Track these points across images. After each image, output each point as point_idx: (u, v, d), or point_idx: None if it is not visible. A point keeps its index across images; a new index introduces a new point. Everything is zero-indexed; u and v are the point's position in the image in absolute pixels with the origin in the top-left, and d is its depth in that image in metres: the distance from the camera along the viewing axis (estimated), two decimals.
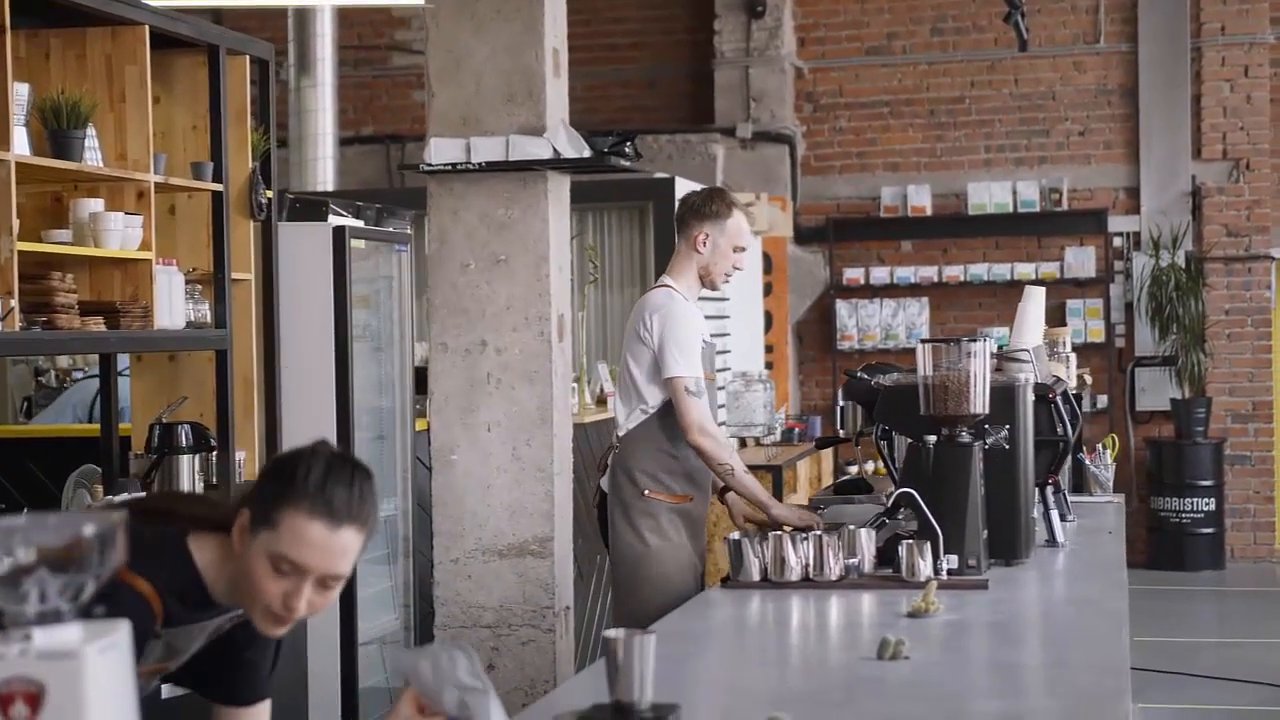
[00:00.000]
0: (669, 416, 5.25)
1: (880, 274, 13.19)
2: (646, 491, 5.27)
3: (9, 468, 6.51)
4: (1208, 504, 12.53)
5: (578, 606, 6.72)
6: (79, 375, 8.75)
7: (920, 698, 3.09)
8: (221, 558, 2.73)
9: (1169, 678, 8.87)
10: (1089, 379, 11.31)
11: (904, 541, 4.31)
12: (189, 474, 5.42)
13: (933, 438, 4.46)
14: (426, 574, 6.36)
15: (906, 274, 13.15)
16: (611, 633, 2.74)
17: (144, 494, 4.51)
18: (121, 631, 1.77)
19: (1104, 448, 6.62)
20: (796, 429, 11.12)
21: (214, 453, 5.59)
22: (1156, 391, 12.89)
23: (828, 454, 11.44)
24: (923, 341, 4.51)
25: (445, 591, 5.93)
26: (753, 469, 8.96)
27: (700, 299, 5.54)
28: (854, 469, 12.58)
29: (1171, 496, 12.56)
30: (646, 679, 2.74)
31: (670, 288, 5.37)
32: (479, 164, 5.89)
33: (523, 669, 5.83)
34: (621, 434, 5.36)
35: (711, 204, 5.39)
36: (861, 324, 13.25)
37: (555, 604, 5.89)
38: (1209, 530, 12.57)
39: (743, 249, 5.43)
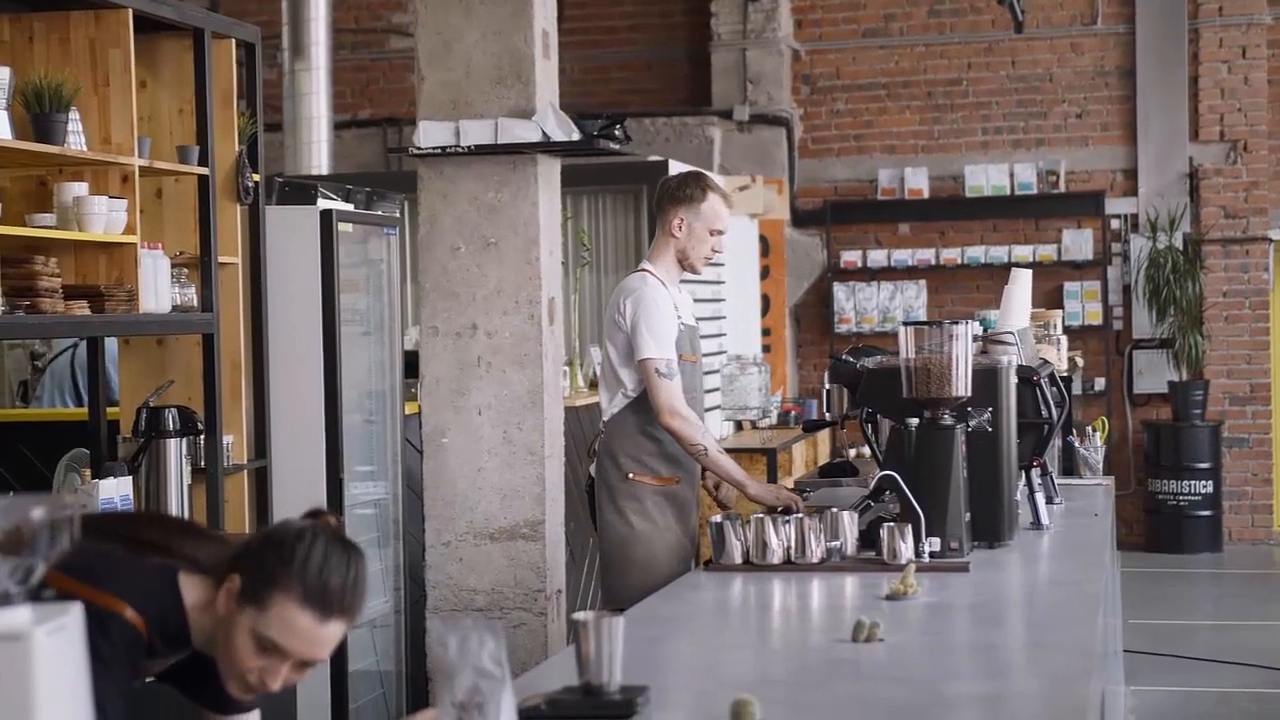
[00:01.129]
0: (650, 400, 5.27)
1: (878, 257, 13.19)
2: (631, 475, 5.29)
3: (3, 451, 6.52)
4: (1205, 486, 12.53)
5: (569, 590, 6.73)
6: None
7: (891, 679, 3.10)
8: (207, 602, 2.71)
9: (1165, 660, 8.88)
10: (1080, 361, 11.31)
11: (885, 524, 4.31)
12: (176, 457, 5.42)
13: (915, 420, 4.46)
14: (418, 557, 6.36)
15: (904, 257, 13.14)
16: (580, 615, 2.75)
17: (138, 514, 4.44)
18: (72, 614, 1.78)
19: (1094, 430, 6.62)
20: (793, 412, 11.12)
21: (201, 436, 5.59)
22: (1154, 374, 12.88)
23: (824, 437, 11.44)
24: (905, 324, 4.51)
25: (436, 575, 5.94)
26: (747, 452, 9.02)
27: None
28: (852, 452, 12.60)
29: (1169, 479, 12.56)
30: (615, 661, 2.75)
31: (647, 272, 5.38)
32: (468, 147, 5.88)
33: (514, 652, 5.83)
34: (605, 419, 5.38)
35: (686, 188, 5.39)
36: (859, 307, 13.24)
37: (547, 587, 5.90)
38: (1207, 513, 12.57)
39: (719, 232, 5.41)
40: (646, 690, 2.78)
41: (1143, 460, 12.88)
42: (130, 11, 5.18)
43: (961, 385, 4.44)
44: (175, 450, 5.43)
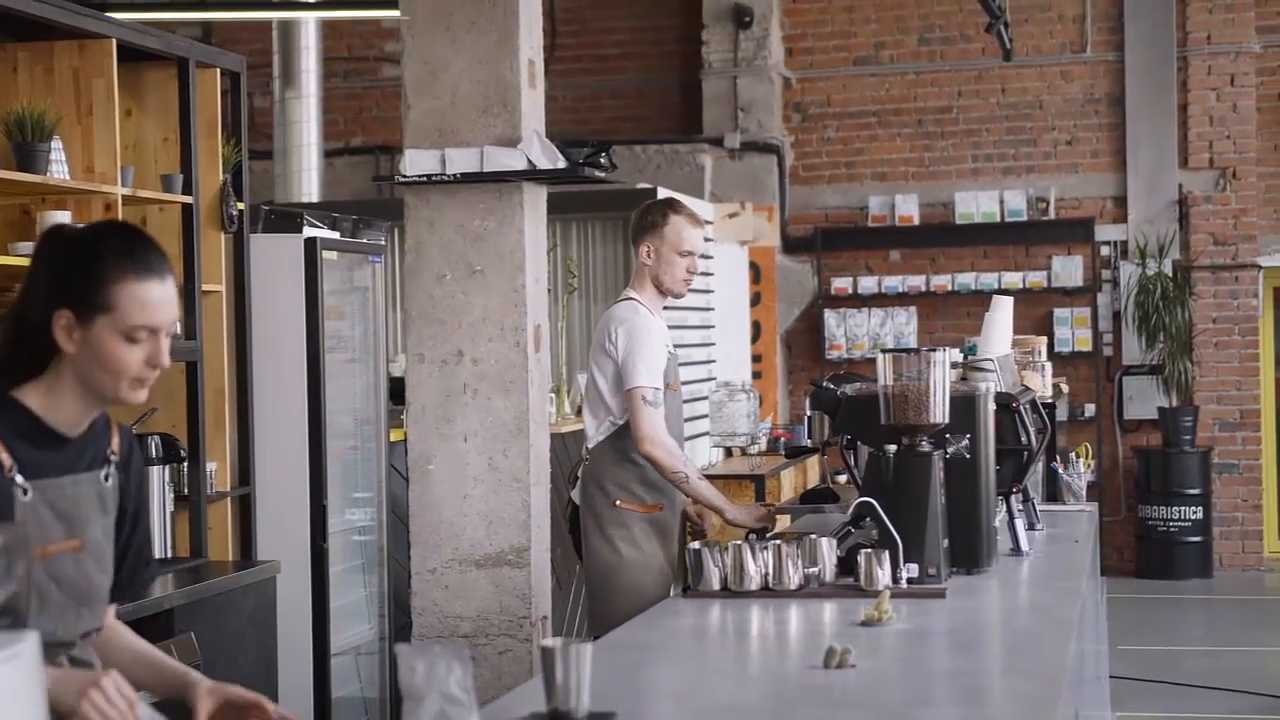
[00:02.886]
0: None
1: (868, 283, 13.21)
2: (618, 502, 5.32)
3: None
4: (1195, 512, 12.54)
5: (555, 616, 6.73)
6: None
7: (860, 706, 3.10)
8: (48, 389, 2.77)
9: (1155, 686, 8.89)
10: (1065, 388, 11.31)
11: (863, 551, 4.32)
12: (159, 485, 5.43)
13: (893, 447, 4.47)
14: (403, 584, 6.37)
15: (894, 283, 13.17)
16: (548, 642, 2.76)
17: None
18: (28, 643, 1.79)
19: (1077, 456, 6.63)
20: (783, 438, 11.12)
21: (184, 464, 5.60)
22: (1144, 400, 12.89)
23: (814, 463, 11.45)
24: (883, 351, 4.53)
25: (422, 601, 5.94)
26: (736, 478, 9.03)
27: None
28: (843, 478, 12.60)
29: (1159, 505, 12.57)
30: (583, 688, 2.76)
31: (634, 300, 5.45)
32: (454, 175, 5.90)
33: (500, 679, 5.83)
34: (590, 445, 5.43)
35: (647, 216, 5.54)
36: (850, 333, 13.26)
37: (532, 614, 5.90)
38: (1197, 539, 12.57)
39: (689, 253, 5.48)
40: (614, 716, 2.79)
41: (1133, 486, 12.89)
42: (114, 41, 5.21)
43: (939, 412, 4.46)
44: (158, 478, 5.44)
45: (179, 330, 5.61)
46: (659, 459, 5.21)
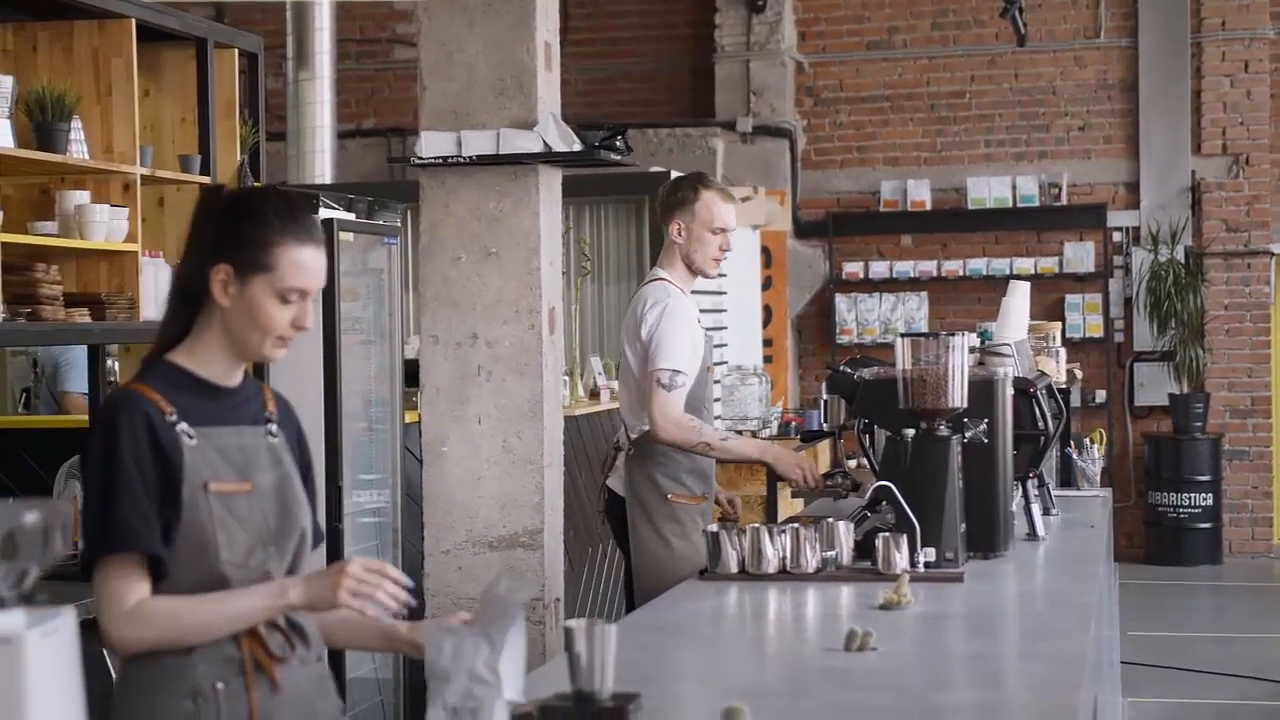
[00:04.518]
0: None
1: (879, 268, 13.21)
2: (670, 495, 5.22)
3: (4, 458, 6.54)
4: (1205, 499, 12.54)
5: (568, 599, 6.73)
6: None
7: (881, 688, 3.11)
8: (193, 346, 2.90)
9: (1164, 672, 8.90)
10: (1079, 373, 11.30)
11: (880, 534, 4.32)
12: None
13: (911, 431, 4.47)
14: (416, 565, 6.38)
15: (906, 268, 13.16)
16: (572, 622, 2.76)
17: None
18: (65, 617, 1.80)
19: (1091, 442, 6.63)
20: (794, 423, 11.12)
21: None
22: (1155, 386, 12.89)
23: (825, 447, 11.45)
24: (902, 335, 4.52)
25: (435, 583, 5.95)
26: (747, 462, 9.00)
27: (698, 291, 5.53)
28: (853, 463, 12.60)
29: (1169, 491, 12.57)
30: (607, 668, 2.76)
31: (664, 280, 5.34)
32: (470, 157, 5.90)
33: None
34: (634, 435, 5.29)
35: (677, 191, 5.37)
36: (861, 318, 13.26)
37: (545, 596, 5.91)
38: (1207, 525, 12.58)
39: (722, 230, 5.34)
40: (638, 698, 2.80)
41: (1143, 472, 12.88)
42: (133, 21, 5.21)
43: (958, 396, 4.45)
44: None
45: None
46: (676, 438, 5.13)
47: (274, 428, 3.00)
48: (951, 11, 13.28)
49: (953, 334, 4.49)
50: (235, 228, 2.87)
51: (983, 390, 4.62)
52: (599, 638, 2.75)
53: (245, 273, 2.85)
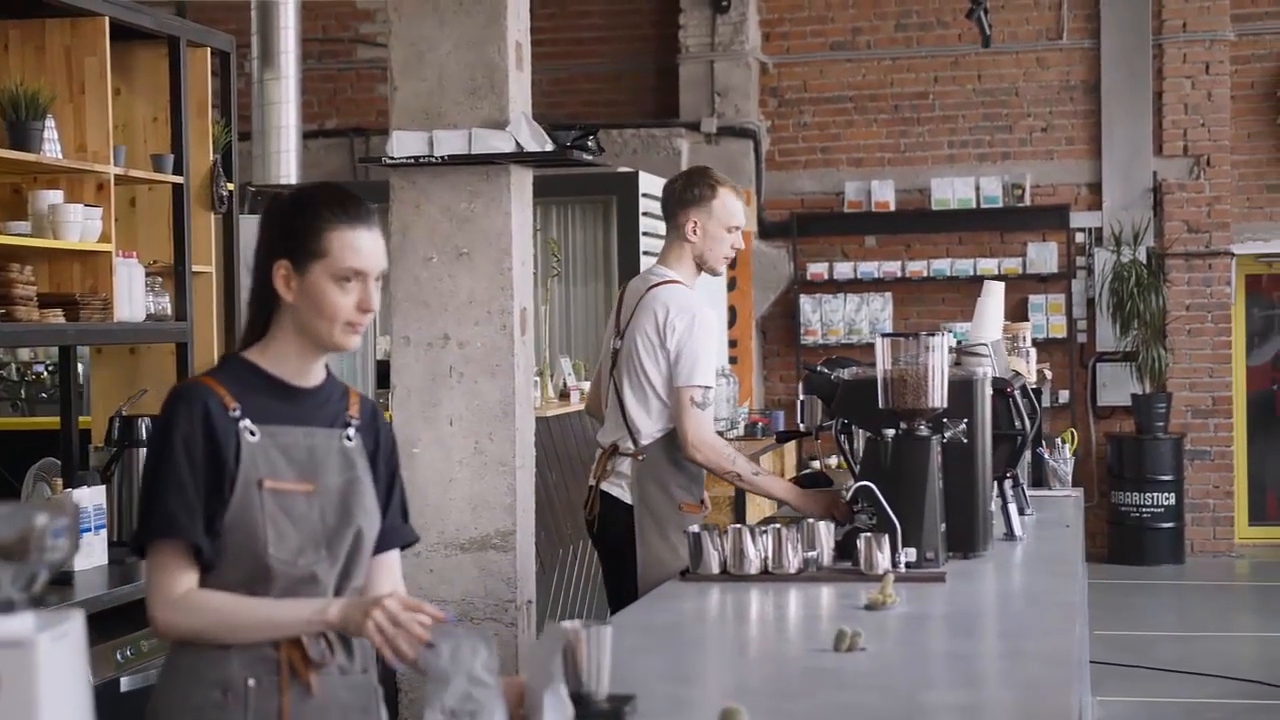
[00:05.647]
0: None
1: (844, 269, 13.23)
2: (683, 505, 5.08)
3: None
4: (1168, 498, 12.61)
5: (540, 600, 6.72)
6: (40, 369, 8.70)
7: (876, 689, 3.11)
8: (267, 345, 2.96)
9: (1128, 670, 8.94)
10: (1049, 374, 11.37)
11: (862, 535, 4.32)
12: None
13: (891, 431, 4.47)
14: None
15: (870, 269, 13.19)
16: (568, 624, 2.75)
17: None
18: (74, 621, 1.78)
19: (1063, 442, 6.65)
20: (760, 423, 11.14)
21: None
22: (1117, 387, 12.96)
23: (790, 448, 11.48)
24: (882, 335, 4.52)
25: (407, 585, 5.90)
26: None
27: None
28: (815, 463, 12.62)
29: (1132, 491, 12.63)
30: (603, 670, 2.76)
31: (682, 284, 5.15)
32: (442, 157, 5.88)
33: None
34: (645, 441, 5.10)
35: (694, 187, 5.17)
36: (825, 319, 13.28)
37: (517, 598, 5.90)
38: (1169, 525, 12.64)
39: (735, 228, 5.18)
40: (634, 699, 2.79)
41: (1106, 472, 12.94)
42: (107, 20, 5.16)
43: (938, 396, 4.46)
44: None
45: (169, 311, 5.58)
46: (709, 463, 4.97)
47: (352, 432, 3.02)
48: (915, 13, 13.32)
49: (933, 334, 4.50)
50: (289, 223, 2.95)
51: (962, 390, 4.63)
52: (595, 640, 2.75)
53: (303, 263, 2.91)
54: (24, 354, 8.89)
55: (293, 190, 3.08)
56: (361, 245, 2.93)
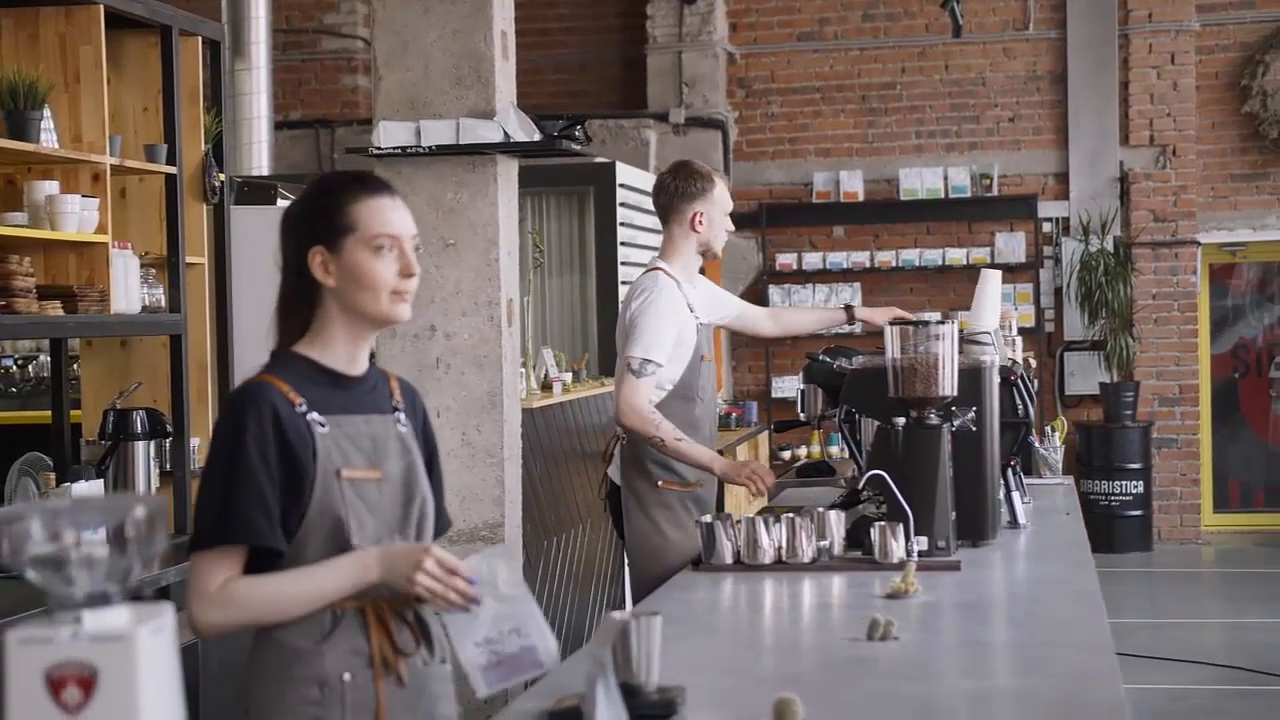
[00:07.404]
0: (674, 404, 5.19)
1: (813, 259, 13.23)
2: (660, 483, 5.22)
3: None
4: (1136, 487, 12.67)
5: None
6: (8, 362, 8.62)
7: (917, 677, 3.10)
8: (315, 336, 2.95)
9: None
10: (1034, 361, 11.42)
11: (876, 524, 4.31)
12: (144, 461, 5.34)
13: (901, 420, 4.46)
14: None
15: (839, 259, 13.19)
16: (619, 615, 2.73)
17: None
18: (167, 614, 1.75)
19: (1052, 430, 6.66)
20: (733, 414, 11.14)
21: (169, 439, 5.51)
22: (1085, 375, 13.01)
23: (763, 439, 11.48)
24: (891, 323, 4.51)
25: None
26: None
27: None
28: (787, 454, 12.63)
29: (1100, 479, 12.69)
30: (654, 661, 2.74)
31: (659, 270, 5.32)
32: (429, 147, 5.84)
33: None
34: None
35: (694, 182, 5.37)
36: None
37: None
38: (1137, 513, 12.71)
39: (729, 210, 5.51)
40: (684, 690, 2.77)
41: (1074, 461, 12.99)
42: (101, 8, 5.10)
43: (948, 385, 4.45)
44: (143, 453, 5.36)
45: (163, 303, 5.52)
46: (634, 427, 5.11)
47: (402, 416, 3.01)
48: (882, 3, 13.33)
49: (942, 322, 4.50)
50: (312, 209, 2.95)
51: (970, 378, 4.63)
52: (645, 630, 2.72)
53: (335, 242, 2.90)
54: (23, 345, 8.80)
55: (305, 186, 3.06)
56: (385, 210, 2.93)
